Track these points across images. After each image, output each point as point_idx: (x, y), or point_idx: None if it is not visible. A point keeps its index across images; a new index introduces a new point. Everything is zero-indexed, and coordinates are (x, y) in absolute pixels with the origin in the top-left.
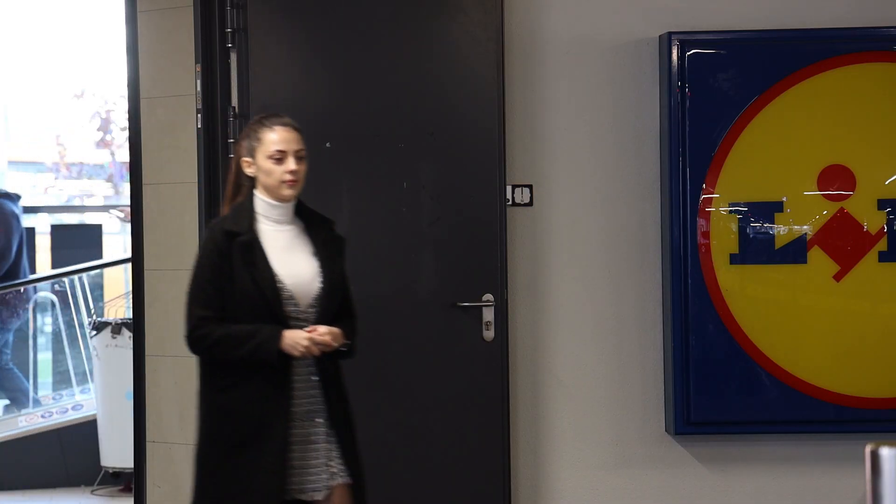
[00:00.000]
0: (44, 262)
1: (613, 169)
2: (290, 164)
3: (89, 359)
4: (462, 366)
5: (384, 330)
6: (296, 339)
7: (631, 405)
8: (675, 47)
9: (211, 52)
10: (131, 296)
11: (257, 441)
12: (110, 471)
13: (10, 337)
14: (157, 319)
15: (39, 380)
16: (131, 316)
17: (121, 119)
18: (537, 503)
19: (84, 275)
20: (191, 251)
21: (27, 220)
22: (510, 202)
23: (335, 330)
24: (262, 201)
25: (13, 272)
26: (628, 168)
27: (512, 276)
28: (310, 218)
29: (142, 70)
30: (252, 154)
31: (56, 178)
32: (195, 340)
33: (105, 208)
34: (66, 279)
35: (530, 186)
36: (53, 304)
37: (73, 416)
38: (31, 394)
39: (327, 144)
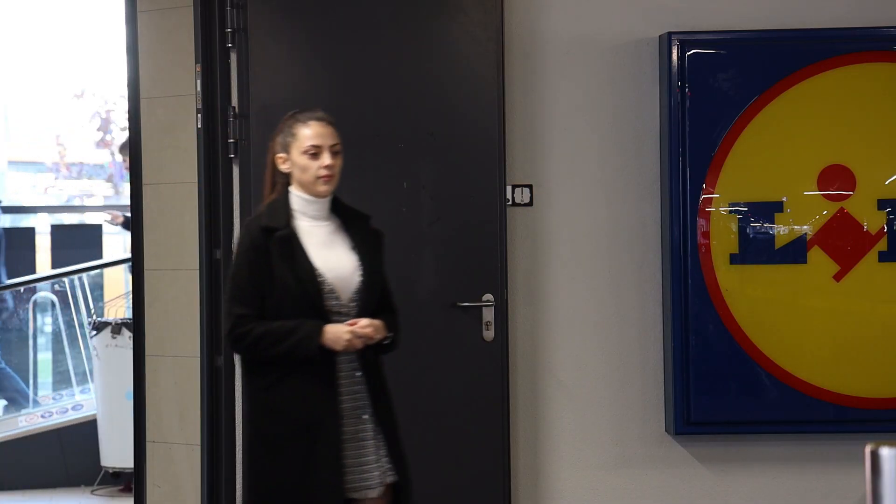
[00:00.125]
0: (44, 262)
1: (613, 169)
2: (326, 159)
3: (89, 359)
4: (462, 366)
5: None
6: (337, 332)
7: (631, 405)
8: (675, 47)
9: (211, 52)
10: (131, 296)
11: (310, 440)
12: (110, 471)
13: None
14: (157, 319)
15: (39, 380)
16: (131, 316)
17: (121, 119)
18: (537, 503)
19: (84, 275)
20: (191, 251)
21: (27, 221)
22: (510, 202)
23: (377, 322)
24: (298, 197)
25: None
26: (628, 168)
27: (512, 276)
28: (346, 213)
29: (142, 70)
30: (286, 150)
31: (56, 178)
32: (235, 339)
33: (105, 208)
34: (66, 279)
35: (530, 186)
36: (53, 304)
37: (73, 416)
38: (31, 394)
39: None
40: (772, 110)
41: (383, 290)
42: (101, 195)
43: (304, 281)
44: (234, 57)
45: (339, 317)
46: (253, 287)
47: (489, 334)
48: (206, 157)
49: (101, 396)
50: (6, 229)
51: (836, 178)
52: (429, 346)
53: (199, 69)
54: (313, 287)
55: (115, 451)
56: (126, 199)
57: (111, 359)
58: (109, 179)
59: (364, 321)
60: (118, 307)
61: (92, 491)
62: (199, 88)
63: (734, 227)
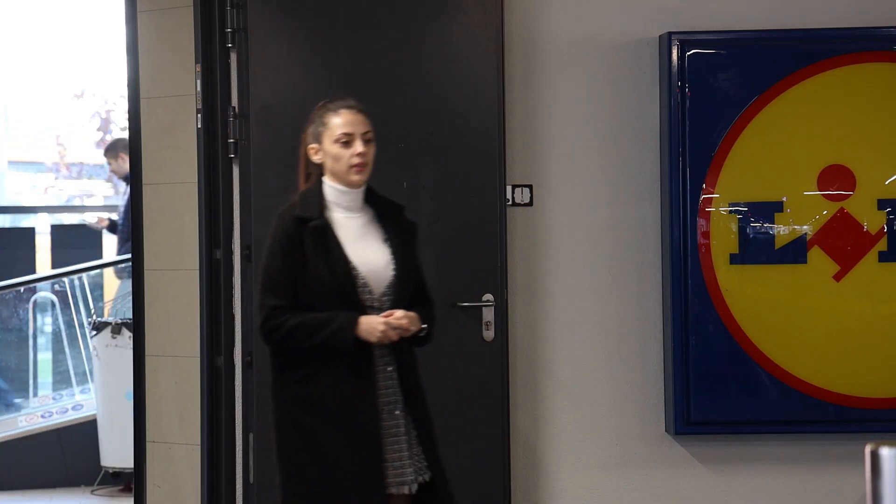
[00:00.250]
0: (44, 262)
1: (613, 169)
2: (358, 146)
3: (89, 359)
4: (462, 366)
5: None
6: (372, 324)
7: (631, 405)
8: (675, 47)
9: (211, 52)
10: (131, 296)
11: (347, 431)
12: (110, 471)
13: None
14: (157, 319)
15: (39, 380)
16: (131, 316)
17: (121, 119)
18: (537, 503)
19: (84, 275)
20: (191, 251)
21: (27, 221)
22: (510, 202)
23: (412, 314)
24: (331, 188)
25: None
26: (628, 168)
27: (512, 276)
28: (380, 204)
29: (142, 70)
30: (318, 140)
31: (56, 178)
32: (269, 331)
33: (103, 209)
34: (66, 279)
35: (530, 186)
36: (53, 304)
37: (73, 416)
38: (31, 392)
39: None
40: (772, 110)
41: (418, 282)
42: (101, 195)
43: (338, 273)
44: (234, 57)
45: (372, 311)
46: (286, 278)
47: (489, 334)
48: (206, 157)
49: (101, 396)
50: (6, 229)
51: (836, 178)
52: (429, 345)
53: (199, 69)
54: (347, 280)
55: (115, 451)
56: (115, 200)
57: (111, 359)
58: (109, 179)
59: (399, 312)
60: (109, 309)
61: (92, 491)
62: (199, 88)
63: (734, 227)
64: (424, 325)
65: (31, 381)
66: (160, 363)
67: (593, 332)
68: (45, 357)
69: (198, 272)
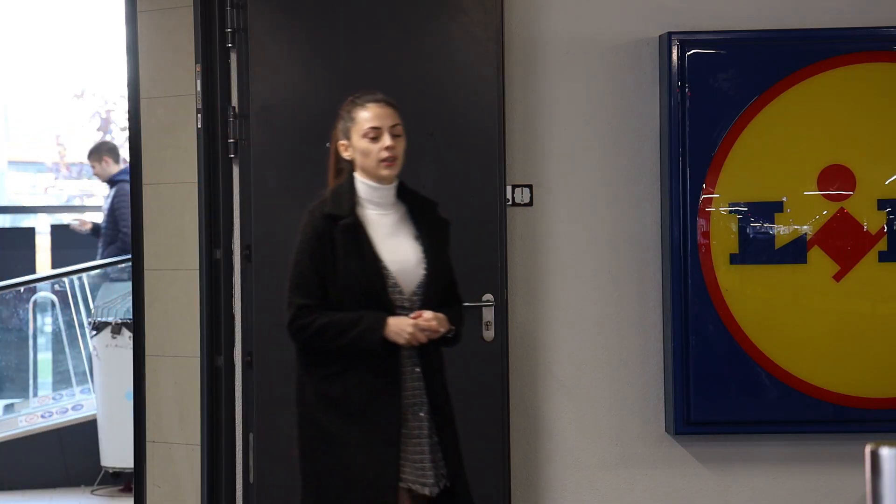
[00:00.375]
0: (44, 262)
1: (613, 169)
2: (386, 139)
3: (89, 359)
4: (462, 366)
5: None
6: (401, 325)
7: (631, 405)
8: (675, 47)
9: (211, 52)
10: (131, 296)
11: (365, 432)
12: (110, 471)
13: None
14: (157, 319)
15: (39, 380)
16: (131, 316)
17: (121, 119)
18: (537, 503)
19: (84, 275)
20: (191, 251)
21: (27, 221)
22: (510, 202)
23: (440, 315)
24: (363, 184)
25: None
26: (628, 168)
27: (512, 276)
28: (412, 200)
29: (142, 70)
30: (347, 135)
31: (56, 178)
32: (296, 330)
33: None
34: (65, 279)
35: (530, 186)
36: (53, 304)
37: (73, 416)
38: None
39: (327, 144)
40: (772, 110)
41: (448, 280)
42: (101, 195)
43: (368, 273)
44: (234, 57)
45: (401, 310)
46: (315, 276)
47: (489, 334)
48: (206, 157)
49: (102, 396)
50: (6, 229)
51: (836, 178)
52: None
53: (199, 69)
54: (378, 279)
55: (115, 451)
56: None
57: (111, 359)
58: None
59: (428, 314)
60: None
61: (92, 491)
62: (199, 88)
63: (734, 227)
64: (452, 327)
65: (31, 381)
66: (160, 363)
67: (593, 332)
68: (45, 357)
69: (198, 272)
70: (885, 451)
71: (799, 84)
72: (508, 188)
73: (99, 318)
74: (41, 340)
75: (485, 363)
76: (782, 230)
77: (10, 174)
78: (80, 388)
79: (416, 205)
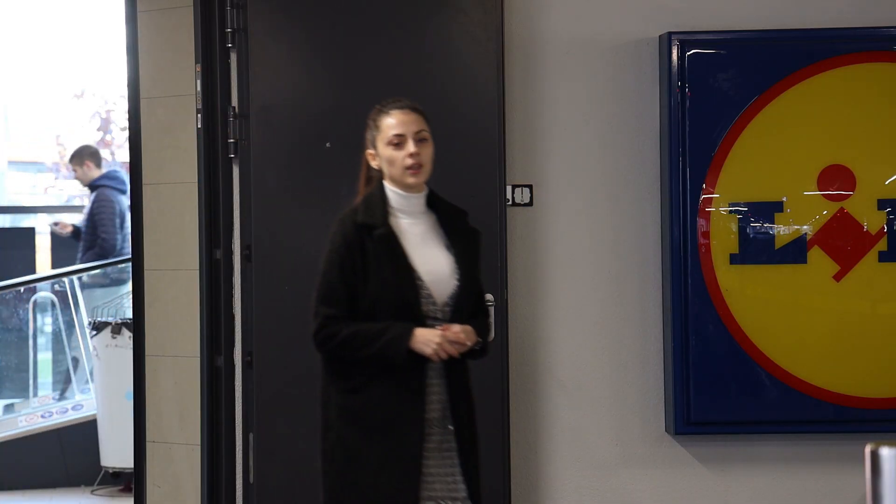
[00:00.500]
0: (44, 262)
1: (613, 169)
2: (410, 146)
3: (89, 359)
4: None
5: None
6: (428, 336)
7: (631, 405)
8: (675, 47)
9: (211, 52)
10: (131, 296)
11: (388, 445)
12: (110, 471)
13: None
14: (157, 319)
15: (39, 380)
16: (131, 316)
17: (121, 119)
18: (537, 503)
19: (84, 275)
20: (191, 251)
21: (27, 221)
22: (510, 202)
23: (468, 327)
24: (393, 193)
25: None
26: (628, 168)
27: (512, 276)
28: (443, 209)
29: (142, 70)
30: (374, 144)
31: (56, 178)
32: (322, 340)
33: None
34: (65, 279)
35: (530, 186)
36: (53, 304)
37: (73, 416)
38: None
39: (327, 144)
40: (772, 110)
41: (478, 292)
42: None
43: (403, 284)
44: (234, 57)
45: (433, 321)
46: (344, 286)
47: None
48: (206, 157)
49: (102, 396)
50: (6, 229)
51: (836, 178)
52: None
53: (199, 69)
54: (411, 290)
55: (115, 451)
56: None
57: (111, 359)
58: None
59: (456, 327)
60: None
61: (92, 491)
62: (199, 88)
63: (734, 227)
64: (480, 339)
65: (31, 381)
66: (160, 363)
67: (593, 332)
68: (45, 357)
69: (198, 272)
70: (885, 451)
71: (799, 84)
72: (508, 188)
73: (99, 319)
74: (41, 340)
75: (485, 363)
76: (782, 230)
77: (10, 174)
78: (80, 388)
79: (446, 214)
